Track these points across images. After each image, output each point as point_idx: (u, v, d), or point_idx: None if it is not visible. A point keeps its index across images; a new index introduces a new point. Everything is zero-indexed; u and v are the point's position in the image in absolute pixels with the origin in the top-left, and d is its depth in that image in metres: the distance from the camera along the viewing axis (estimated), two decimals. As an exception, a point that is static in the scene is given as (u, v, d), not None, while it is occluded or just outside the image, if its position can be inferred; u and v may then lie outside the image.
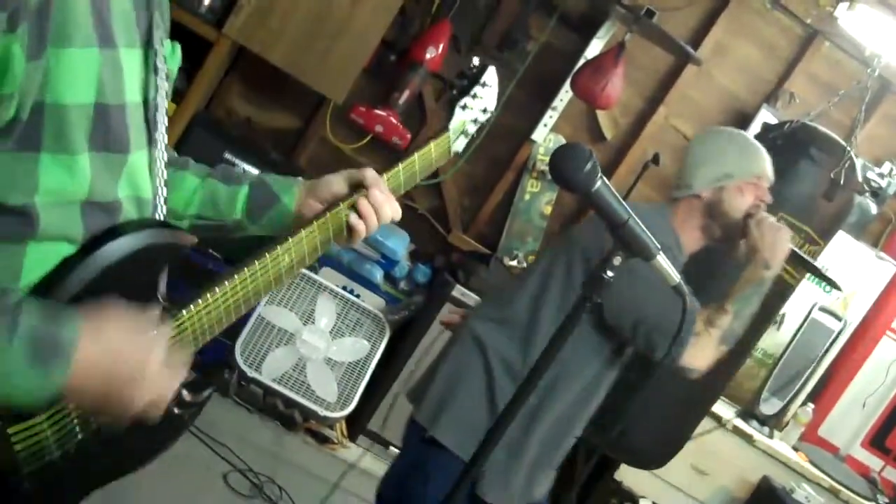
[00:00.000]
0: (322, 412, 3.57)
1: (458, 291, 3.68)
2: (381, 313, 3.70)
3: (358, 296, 3.73)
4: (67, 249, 0.94)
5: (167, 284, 1.07)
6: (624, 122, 4.15)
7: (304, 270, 3.40)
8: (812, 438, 4.00)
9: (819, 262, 3.72)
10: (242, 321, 3.46)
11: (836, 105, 2.89)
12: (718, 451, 3.61)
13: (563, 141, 4.09)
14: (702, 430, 3.24)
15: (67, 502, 1.10)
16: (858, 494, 3.66)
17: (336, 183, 1.26)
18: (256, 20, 3.11)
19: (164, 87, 1.04)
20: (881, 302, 3.94)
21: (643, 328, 1.98)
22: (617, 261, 1.33)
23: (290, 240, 1.17)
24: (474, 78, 1.40)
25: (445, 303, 3.64)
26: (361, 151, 4.00)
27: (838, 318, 3.79)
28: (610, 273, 1.34)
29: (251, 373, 3.51)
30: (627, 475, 3.58)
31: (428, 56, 3.74)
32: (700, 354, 2.02)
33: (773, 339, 3.84)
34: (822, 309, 3.79)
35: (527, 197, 4.15)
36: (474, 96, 1.39)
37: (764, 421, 3.76)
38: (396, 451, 3.61)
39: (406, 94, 3.80)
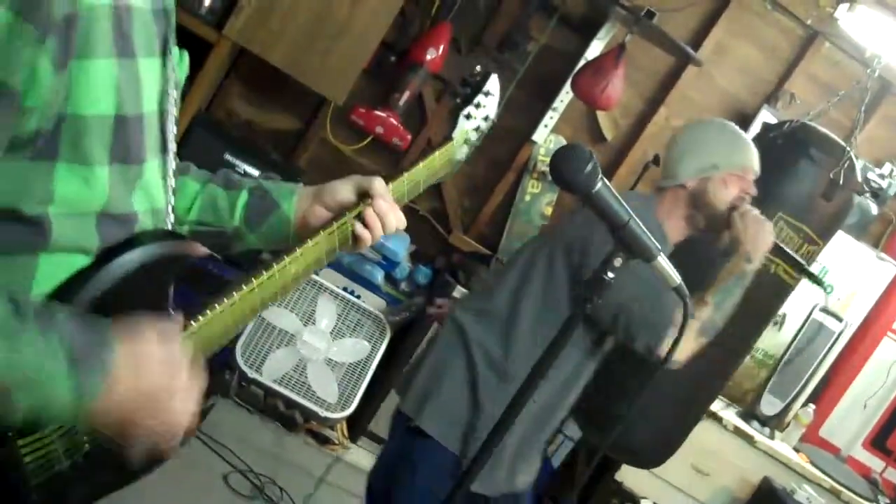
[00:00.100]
0: (323, 413, 3.57)
1: (459, 292, 3.68)
2: (381, 314, 3.70)
3: (358, 297, 3.73)
4: (82, 261, 0.93)
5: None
6: (624, 123, 4.15)
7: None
8: (813, 439, 4.00)
9: (818, 262, 3.74)
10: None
11: (837, 106, 2.89)
12: (719, 451, 3.61)
13: (563, 142, 4.09)
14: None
15: None
16: (859, 495, 3.66)
17: (342, 191, 1.25)
18: (256, 21, 3.11)
19: (173, 96, 1.04)
20: (882, 303, 3.94)
21: (623, 318, 1.99)
22: (618, 262, 1.33)
23: (297, 249, 1.16)
24: (477, 86, 1.39)
25: (446, 304, 3.64)
26: (362, 152, 4.00)
27: (839, 319, 3.79)
28: (611, 274, 1.34)
29: (252, 374, 3.51)
30: (628, 476, 3.58)
31: (428, 57, 3.74)
32: (679, 346, 2.02)
33: (774, 340, 3.84)
34: (823, 310, 3.79)
35: (527, 198, 4.15)
36: (477, 105, 1.39)
37: (765, 422, 3.76)
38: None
39: (406, 95, 3.81)
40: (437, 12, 3.82)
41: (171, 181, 1.07)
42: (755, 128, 3.79)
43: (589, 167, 1.30)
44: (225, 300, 1.07)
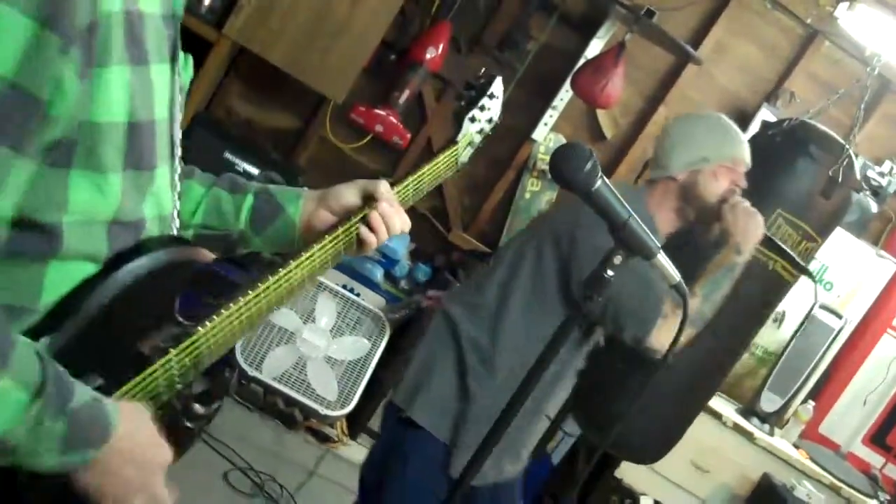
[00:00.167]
0: (322, 411, 3.57)
1: (459, 290, 3.68)
2: (381, 312, 3.70)
3: (358, 294, 3.74)
4: (90, 268, 0.94)
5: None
6: (624, 122, 4.15)
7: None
8: (813, 436, 4.00)
9: (817, 259, 3.74)
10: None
11: (837, 104, 2.89)
12: (719, 448, 3.61)
13: (563, 140, 4.10)
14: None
15: None
16: (859, 491, 3.66)
17: (347, 195, 1.25)
18: (256, 20, 3.11)
19: (180, 100, 1.05)
20: (882, 300, 3.95)
21: (611, 308, 1.99)
22: (618, 260, 1.33)
23: (304, 254, 1.16)
24: (482, 89, 1.39)
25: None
26: (361, 151, 4.00)
27: (839, 316, 3.79)
28: (610, 272, 1.34)
29: (252, 371, 3.51)
30: (628, 472, 3.58)
31: (428, 56, 3.74)
32: (667, 336, 2.03)
33: (774, 337, 3.84)
34: (823, 307, 3.79)
35: (527, 196, 4.16)
36: (482, 108, 1.39)
37: (765, 418, 3.76)
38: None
39: (406, 94, 3.81)
40: (436, 11, 3.82)
41: (178, 186, 1.07)
42: (755, 126, 3.80)
43: (589, 165, 1.30)
44: (232, 305, 1.07)
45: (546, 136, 4.08)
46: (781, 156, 2.47)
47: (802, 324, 3.74)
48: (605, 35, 3.92)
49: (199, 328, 1.03)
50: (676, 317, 2.02)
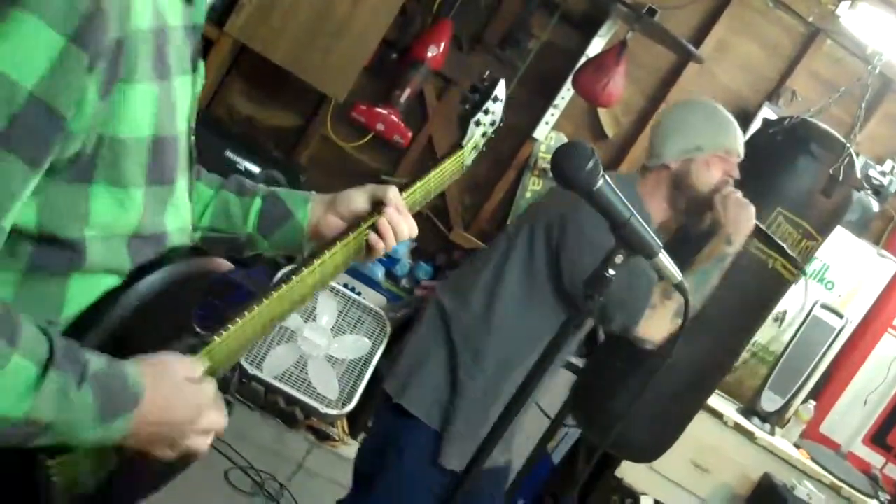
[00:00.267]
0: (323, 409, 3.57)
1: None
2: (382, 311, 3.70)
3: (359, 293, 3.74)
4: (112, 281, 0.94)
5: None
6: (625, 121, 4.14)
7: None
8: (813, 435, 4.00)
9: (817, 257, 3.74)
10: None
11: (839, 103, 2.89)
12: (719, 447, 3.61)
13: (564, 139, 4.09)
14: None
15: None
16: (860, 491, 3.66)
17: (357, 200, 1.26)
18: (258, 19, 3.11)
19: (195, 109, 1.05)
20: (883, 299, 3.94)
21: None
22: (619, 259, 1.33)
23: (316, 261, 1.16)
24: (486, 92, 1.40)
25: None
26: (362, 149, 4.00)
27: (840, 316, 3.79)
28: (611, 271, 1.34)
29: (252, 370, 3.51)
30: (628, 472, 3.58)
31: (429, 54, 3.74)
32: (655, 326, 2.03)
33: (775, 337, 3.84)
34: (824, 306, 3.79)
35: (528, 195, 4.15)
36: (486, 111, 1.40)
37: (765, 418, 3.76)
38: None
39: (407, 93, 3.81)
40: (438, 9, 3.82)
41: (193, 193, 1.08)
42: (756, 125, 3.79)
43: (590, 164, 1.30)
44: (246, 314, 1.08)
45: (547, 134, 4.08)
46: (782, 154, 2.47)
47: (803, 323, 3.74)
48: (607, 34, 3.92)
49: (215, 337, 1.04)
50: (665, 307, 2.02)
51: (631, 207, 1.33)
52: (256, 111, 3.94)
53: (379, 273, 3.86)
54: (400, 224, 1.23)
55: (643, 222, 1.34)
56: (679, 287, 1.39)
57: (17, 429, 0.82)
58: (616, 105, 3.86)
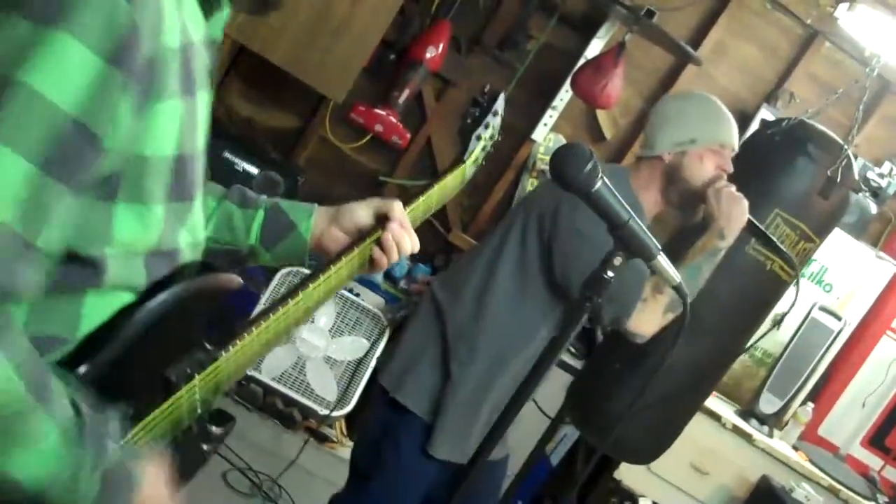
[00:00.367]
0: (321, 411, 3.57)
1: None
2: (380, 312, 3.70)
3: (357, 295, 3.74)
4: (127, 297, 0.93)
5: None
6: (624, 122, 4.15)
7: (304, 269, 3.40)
8: (812, 438, 4.00)
9: (815, 259, 3.74)
10: (242, 319, 3.45)
11: (836, 105, 2.88)
12: (718, 450, 3.61)
13: (563, 140, 4.09)
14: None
15: None
16: (858, 494, 3.66)
17: (361, 214, 1.26)
18: (256, 19, 3.11)
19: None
20: (881, 302, 3.94)
21: None
22: (617, 261, 1.33)
23: (321, 276, 1.17)
24: (486, 107, 1.42)
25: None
26: (361, 150, 4.00)
27: (838, 318, 3.79)
28: (610, 273, 1.34)
29: (250, 371, 3.51)
30: (627, 474, 3.58)
31: (428, 55, 3.74)
32: (646, 320, 2.03)
33: (773, 339, 3.84)
34: (822, 308, 3.79)
35: (527, 196, 4.16)
36: (486, 126, 1.42)
37: (763, 420, 3.76)
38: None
39: (406, 94, 3.81)
40: (436, 11, 3.82)
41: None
42: (754, 127, 3.80)
43: (589, 166, 1.30)
44: (254, 329, 1.08)
45: (546, 136, 4.08)
46: (780, 155, 2.46)
47: (801, 325, 3.74)
48: (605, 35, 3.92)
49: (223, 353, 1.04)
50: (656, 301, 2.02)
51: (630, 209, 1.33)
52: (255, 112, 3.94)
53: (377, 274, 3.86)
54: (403, 240, 1.24)
55: (641, 224, 1.34)
56: (678, 289, 1.39)
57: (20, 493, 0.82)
58: (614, 107, 3.86)
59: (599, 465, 3.58)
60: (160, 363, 0.97)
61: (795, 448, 3.84)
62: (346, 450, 3.69)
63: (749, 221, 2.12)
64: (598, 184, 1.30)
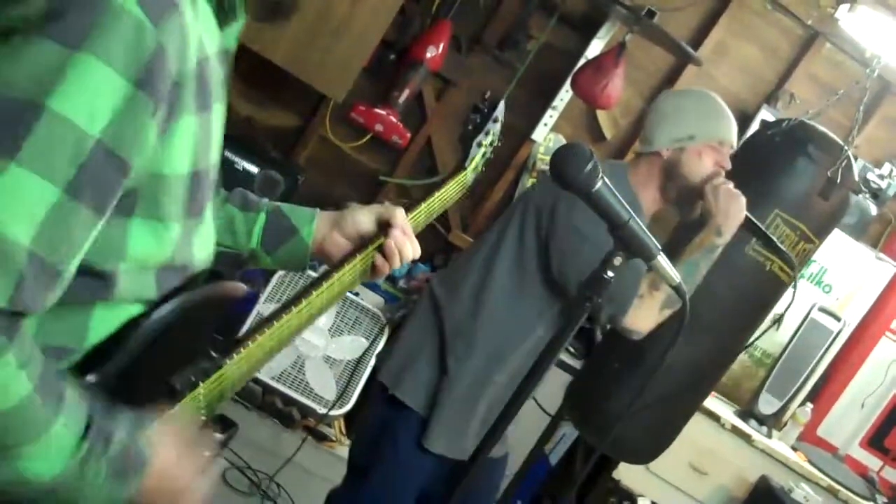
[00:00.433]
0: (320, 410, 3.57)
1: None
2: (379, 311, 3.70)
3: (357, 294, 3.74)
4: (136, 310, 0.93)
5: None
6: (624, 122, 4.15)
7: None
8: (811, 438, 4.00)
9: (814, 260, 3.74)
10: (241, 319, 3.46)
11: (836, 106, 2.88)
12: (717, 450, 3.61)
13: (563, 140, 4.09)
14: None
15: None
16: (857, 494, 3.66)
17: (363, 220, 1.26)
18: (257, 18, 3.11)
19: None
20: (880, 302, 3.94)
21: None
22: (617, 261, 1.33)
23: (325, 284, 1.18)
24: (487, 114, 1.43)
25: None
26: (361, 150, 4.00)
27: (837, 319, 3.79)
28: (610, 273, 1.34)
29: (250, 371, 3.51)
30: (626, 474, 3.58)
31: (428, 55, 3.74)
32: (643, 317, 2.04)
33: (772, 339, 3.84)
34: (822, 309, 3.79)
35: (526, 196, 4.15)
36: (487, 132, 1.43)
37: (762, 421, 3.76)
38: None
39: (406, 93, 3.81)
40: (437, 10, 3.82)
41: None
42: (755, 128, 3.80)
43: (589, 166, 1.30)
44: (259, 337, 1.08)
45: (546, 136, 4.08)
46: (780, 156, 2.47)
47: (801, 326, 3.74)
48: (606, 35, 3.92)
49: (228, 360, 1.04)
50: (653, 297, 2.02)
51: (630, 209, 1.33)
52: (255, 111, 3.93)
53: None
54: (405, 246, 1.25)
55: (641, 224, 1.34)
56: (678, 289, 1.39)
57: (34, 490, 0.82)
58: (615, 107, 3.86)
59: (598, 464, 3.58)
60: (166, 372, 0.98)
61: (794, 448, 3.84)
62: (344, 449, 3.69)
63: (749, 220, 2.12)
64: (599, 184, 1.30)
